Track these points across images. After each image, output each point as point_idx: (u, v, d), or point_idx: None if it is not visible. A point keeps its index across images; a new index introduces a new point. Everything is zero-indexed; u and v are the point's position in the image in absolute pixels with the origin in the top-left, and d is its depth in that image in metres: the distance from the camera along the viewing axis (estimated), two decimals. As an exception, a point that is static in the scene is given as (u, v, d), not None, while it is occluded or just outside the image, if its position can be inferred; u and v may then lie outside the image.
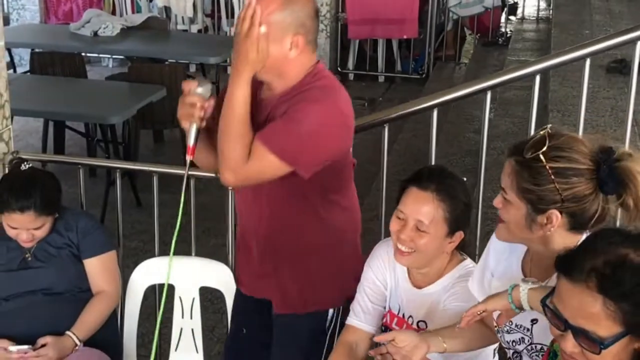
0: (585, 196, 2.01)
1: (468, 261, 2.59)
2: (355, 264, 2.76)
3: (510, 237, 2.17)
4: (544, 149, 2.00)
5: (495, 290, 2.21)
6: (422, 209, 2.46)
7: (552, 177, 2.00)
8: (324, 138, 2.49)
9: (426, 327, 2.54)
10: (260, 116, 2.54)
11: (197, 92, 2.45)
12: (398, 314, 2.64)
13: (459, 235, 2.51)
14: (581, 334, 1.63)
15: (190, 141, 2.47)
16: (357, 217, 2.83)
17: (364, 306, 2.67)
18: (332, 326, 2.79)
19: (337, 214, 2.70)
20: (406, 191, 2.51)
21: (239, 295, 2.99)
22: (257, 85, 2.56)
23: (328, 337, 2.78)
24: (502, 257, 2.30)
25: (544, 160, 2.00)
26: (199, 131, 2.48)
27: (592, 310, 1.61)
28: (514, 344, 2.26)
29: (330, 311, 2.77)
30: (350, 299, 2.72)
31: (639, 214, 2.00)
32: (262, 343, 2.86)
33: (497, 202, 2.16)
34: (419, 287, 2.59)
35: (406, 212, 2.48)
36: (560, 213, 2.02)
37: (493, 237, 2.33)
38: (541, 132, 2.07)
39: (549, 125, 2.10)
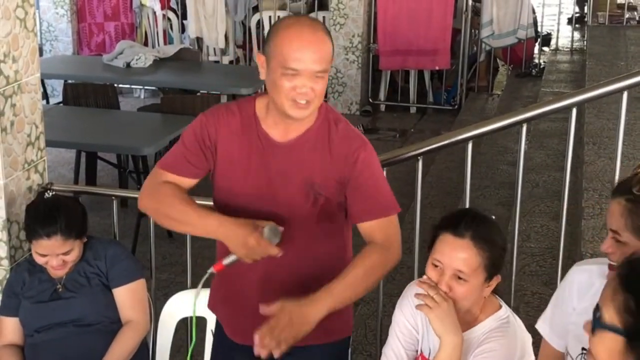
0: None
1: (502, 311, 2.50)
2: None
3: None
4: None
5: (574, 325, 2.18)
6: (460, 257, 2.37)
7: None
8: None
9: None
10: (276, 159, 2.58)
11: (271, 241, 2.48)
12: (429, 357, 2.57)
13: (496, 279, 2.45)
14: None
15: (226, 262, 2.53)
16: None
17: (397, 352, 2.59)
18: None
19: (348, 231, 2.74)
20: (440, 238, 2.43)
21: (227, 348, 2.84)
22: (245, 116, 2.60)
23: None
24: (587, 293, 2.25)
25: None
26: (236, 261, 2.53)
27: None
28: None
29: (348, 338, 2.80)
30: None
31: None
32: None
33: (607, 246, 2.12)
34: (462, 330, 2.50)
35: (443, 261, 2.40)
36: None
37: (572, 274, 2.29)
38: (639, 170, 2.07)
39: None
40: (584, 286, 2.28)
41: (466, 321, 2.48)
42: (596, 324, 1.72)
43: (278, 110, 2.51)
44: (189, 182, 2.65)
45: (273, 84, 2.47)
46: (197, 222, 2.56)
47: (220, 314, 2.88)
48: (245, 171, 2.60)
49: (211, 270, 2.55)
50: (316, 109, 2.54)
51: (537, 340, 2.58)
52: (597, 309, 1.73)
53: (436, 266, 2.42)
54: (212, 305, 2.91)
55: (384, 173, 2.70)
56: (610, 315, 1.69)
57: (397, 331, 2.61)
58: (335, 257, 2.65)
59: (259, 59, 2.53)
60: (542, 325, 2.36)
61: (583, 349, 2.25)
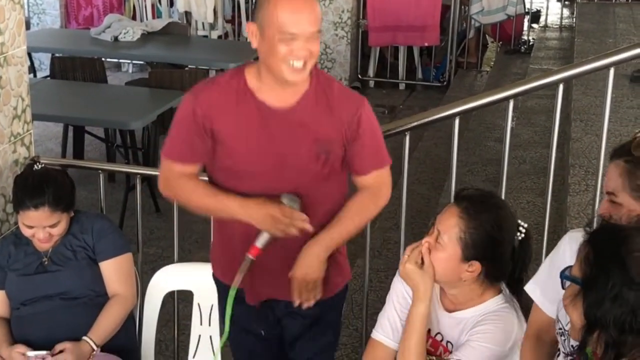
0: None
1: (502, 297, 2.49)
2: None
3: None
4: None
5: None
6: (445, 220, 2.42)
7: None
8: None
9: (452, 347, 2.50)
10: (280, 126, 2.62)
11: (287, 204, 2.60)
12: (429, 333, 2.57)
13: (476, 267, 2.40)
14: None
15: (260, 243, 2.63)
16: None
17: (392, 322, 2.60)
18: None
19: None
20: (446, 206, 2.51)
21: (242, 308, 2.86)
22: (235, 89, 2.63)
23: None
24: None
25: None
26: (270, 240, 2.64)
27: None
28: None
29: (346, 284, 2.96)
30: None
31: None
32: (280, 341, 2.95)
33: (604, 208, 2.13)
34: (449, 311, 2.53)
35: (436, 222, 2.46)
36: None
37: (565, 240, 2.28)
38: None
39: None
40: (573, 253, 2.28)
41: (462, 303, 2.50)
42: (564, 277, 1.84)
43: (275, 76, 2.54)
44: (197, 167, 2.73)
45: (269, 51, 2.50)
46: (217, 208, 2.69)
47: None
48: (248, 145, 2.62)
49: (249, 257, 2.64)
50: (310, 69, 2.58)
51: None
52: (568, 266, 1.84)
53: (433, 226, 2.48)
54: (221, 274, 2.93)
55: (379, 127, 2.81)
56: (575, 269, 1.81)
57: (395, 300, 2.63)
58: (339, 204, 2.75)
59: (250, 27, 2.56)
60: (532, 287, 2.34)
61: None
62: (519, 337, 2.44)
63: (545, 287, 2.31)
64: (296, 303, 2.72)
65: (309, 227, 2.61)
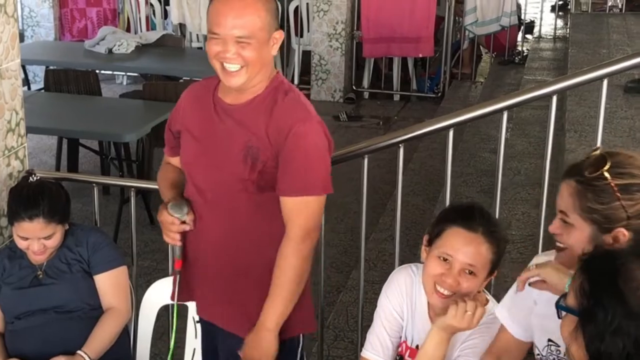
0: None
1: (490, 305, 2.48)
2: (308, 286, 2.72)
3: (574, 263, 2.04)
4: (607, 166, 2.00)
5: (538, 317, 2.21)
6: (473, 252, 2.37)
7: (618, 194, 2.00)
8: (325, 153, 2.60)
9: None
10: (224, 122, 2.63)
11: (171, 220, 2.66)
12: (412, 345, 2.58)
13: (494, 274, 2.47)
14: None
15: (177, 254, 2.73)
16: None
17: (382, 340, 2.59)
18: (300, 353, 2.77)
19: None
20: (450, 231, 2.41)
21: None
22: (209, 86, 2.69)
23: None
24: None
25: (609, 177, 2.00)
26: (182, 247, 2.72)
27: None
28: None
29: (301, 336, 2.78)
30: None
31: None
32: None
33: (555, 227, 2.12)
34: None
35: (454, 255, 2.38)
36: (627, 231, 2.00)
37: (534, 262, 2.29)
38: (594, 153, 2.06)
39: (599, 146, 2.10)
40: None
41: None
42: (559, 307, 1.78)
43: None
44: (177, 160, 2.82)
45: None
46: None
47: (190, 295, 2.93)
48: (197, 139, 2.68)
49: (175, 270, 2.77)
50: (253, 76, 2.53)
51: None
52: (564, 295, 1.79)
53: (445, 260, 2.40)
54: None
55: (319, 154, 2.58)
56: (571, 298, 1.75)
57: (383, 317, 2.62)
58: (278, 224, 2.61)
59: None
60: (501, 311, 2.36)
61: (549, 340, 2.26)
62: None
63: (512, 312, 2.32)
64: None
65: (176, 241, 2.69)
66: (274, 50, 2.58)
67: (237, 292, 2.70)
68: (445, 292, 2.40)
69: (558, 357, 2.22)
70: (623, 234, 2.00)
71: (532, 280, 2.16)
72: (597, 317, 1.68)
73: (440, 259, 2.41)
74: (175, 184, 2.79)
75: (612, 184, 2.00)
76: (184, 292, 2.86)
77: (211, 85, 2.69)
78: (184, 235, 2.70)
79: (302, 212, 2.55)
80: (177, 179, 2.80)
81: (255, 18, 2.47)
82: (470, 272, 2.38)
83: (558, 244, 2.18)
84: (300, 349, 2.78)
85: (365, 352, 2.63)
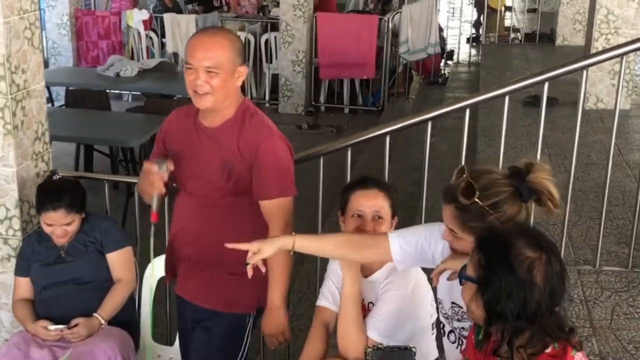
0: (516, 213, 2.01)
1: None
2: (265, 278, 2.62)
3: (466, 253, 2.03)
4: (477, 194, 1.97)
5: (444, 287, 2.22)
6: (375, 202, 2.46)
7: (491, 212, 1.99)
8: (289, 161, 2.58)
9: (373, 306, 2.50)
10: (202, 141, 2.57)
11: (155, 170, 2.53)
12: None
13: (395, 222, 2.50)
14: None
15: (154, 207, 2.55)
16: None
17: (332, 290, 2.61)
18: (249, 329, 2.74)
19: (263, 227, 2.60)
20: (353, 196, 2.49)
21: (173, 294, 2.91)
22: (192, 111, 2.62)
23: (246, 339, 2.74)
24: (438, 247, 2.25)
25: (480, 202, 1.98)
26: (160, 199, 2.58)
27: None
28: (462, 330, 2.25)
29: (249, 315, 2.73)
30: (262, 307, 2.68)
31: (555, 209, 2.02)
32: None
33: (446, 236, 2.11)
34: (365, 276, 2.53)
35: (364, 209, 2.46)
36: None
37: (434, 234, 2.25)
38: (462, 177, 2.02)
39: (464, 166, 2.07)
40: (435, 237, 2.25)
41: (375, 267, 2.50)
42: (462, 276, 1.81)
43: None
44: None
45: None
46: (143, 185, 2.63)
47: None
48: (181, 155, 2.61)
49: (153, 222, 2.60)
50: (219, 101, 2.49)
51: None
52: (464, 266, 1.82)
53: (359, 216, 2.46)
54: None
55: (286, 163, 2.58)
56: (470, 270, 1.79)
57: (332, 275, 2.64)
58: (250, 224, 2.59)
59: None
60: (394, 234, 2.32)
61: (453, 302, 2.26)
62: (417, 279, 2.46)
63: (404, 237, 2.29)
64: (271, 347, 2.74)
65: (161, 189, 2.53)
66: (239, 82, 2.52)
67: (211, 276, 2.67)
68: None
69: (461, 316, 2.23)
70: None
71: (444, 275, 2.15)
72: (493, 284, 1.71)
73: (355, 216, 2.48)
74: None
75: (485, 206, 1.98)
76: (169, 272, 2.86)
77: (192, 111, 2.64)
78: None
79: (279, 211, 2.54)
80: None
81: (221, 53, 2.43)
82: (379, 217, 2.45)
83: (451, 247, 2.14)
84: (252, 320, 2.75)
85: (321, 302, 2.64)
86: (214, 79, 2.43)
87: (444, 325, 2.35)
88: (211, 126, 2.57)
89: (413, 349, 2.28)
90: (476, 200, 1.98)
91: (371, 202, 2.47)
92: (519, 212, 2.02)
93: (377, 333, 2.40)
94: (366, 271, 2.53)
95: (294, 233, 2.35)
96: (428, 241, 2.26)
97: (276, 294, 2.60)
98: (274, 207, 2.55)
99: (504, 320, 1.72)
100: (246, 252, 2.33)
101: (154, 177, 2.51)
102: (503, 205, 2.00)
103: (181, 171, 2.61)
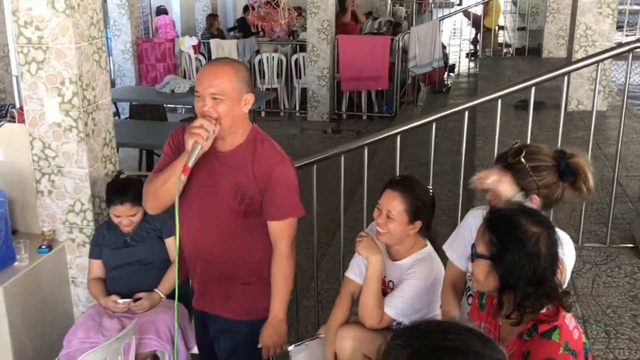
0: (552, 184, 1.99)
1: (427, 248, 2.48)
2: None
3: (499, 200, 2.04)
4: (523, 154, 1.99)
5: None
6: (391, 202, 2.41)
7: (531, 173, 1.98)
8: (296, 183, 2.37)
9: (393, 286, 2.49)
10: (214, 165, 2.31)
11: (206, 124, 2.19)
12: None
13: (418, 224, 2.43)
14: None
15: (190, 162, 2.16)
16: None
17: (360, 265, 2.56)
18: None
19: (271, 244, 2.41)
20: (384, 192, 2.46)
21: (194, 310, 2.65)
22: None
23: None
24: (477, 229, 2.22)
25: (524, 161, 1.99)
26: (197, 155, 2.18)
27: None
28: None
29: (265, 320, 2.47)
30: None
31: (587, 194, 2.00)
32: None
33: (381, 219, 2.20)
34: (394, 260, 2.51)
35: (382, 204, 2.44)
36: (538, 196, 2.00)
37: (468, 215, 2.23)
38: (514, 146, 2.05)
39: (517, 141, 2.09)
40: (475, 224, 2.27)
41: (403, 253, 2.49)
42: (473, 254, 1.76)
43: None
44: None
45: None
46: (168, 172, 2.28)
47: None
48: (197, 175, 2.32)
49: (182, 175, 2.20)
50: (226, 127, 2.23)
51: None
52: (473, 245, 1.78)
53: (379, 209, 2.45)
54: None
55: (294, 185, 2.35)
56: (481, 248, 1.73)
57: (354, 264, 2.61)
58: (260, 240, 2.38)
59: None
60: (448, 249, 2.33)
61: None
62: (437, 274, 2.43)
63: (454, 248, 2.30)
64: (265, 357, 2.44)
65: (202, 136, 2.16)
66: (246, 109, 2.26)
67: (227, 287, 2.43)
68: (380, 230, 2.44)
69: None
70: (535, 198, 1.99)
71: (485, 185, 2.09)
72: (507, 259, 1.67)
73: (378, 209, 2.46)
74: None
75: (527, 166, 1.98)
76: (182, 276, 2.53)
77: None
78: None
79: (285, 230, 2.34)
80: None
81: (226, 81, 2.19)
82: (389, 217, 2.41)
83: (489, 198, 2.12)
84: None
85: (349, 273, 2.60)
86: (220, 105, 2.19)
87: (467, 293, 2.31)
88: (223, 150, 2.31)
89: None
90: (521, 159, 1.97)
91: (388, 202, 2.43)
92: (555, 183, 1.99)
93: (394, 311, 2.41)
94: (396, 256, 2.52)
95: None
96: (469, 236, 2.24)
97: (279, 307, 2.39)
98: (283, 227, 2.34)
99: (515, 289, 1.69)
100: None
101: (201, 130, 2.18)
102: (543, 171, 1.98)
103: (195, 194, 2.34)
